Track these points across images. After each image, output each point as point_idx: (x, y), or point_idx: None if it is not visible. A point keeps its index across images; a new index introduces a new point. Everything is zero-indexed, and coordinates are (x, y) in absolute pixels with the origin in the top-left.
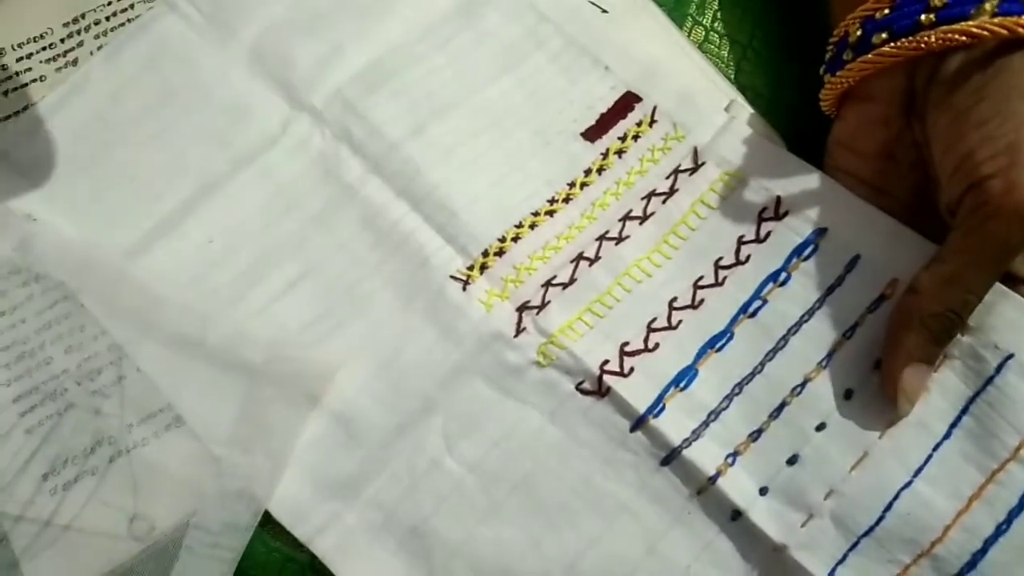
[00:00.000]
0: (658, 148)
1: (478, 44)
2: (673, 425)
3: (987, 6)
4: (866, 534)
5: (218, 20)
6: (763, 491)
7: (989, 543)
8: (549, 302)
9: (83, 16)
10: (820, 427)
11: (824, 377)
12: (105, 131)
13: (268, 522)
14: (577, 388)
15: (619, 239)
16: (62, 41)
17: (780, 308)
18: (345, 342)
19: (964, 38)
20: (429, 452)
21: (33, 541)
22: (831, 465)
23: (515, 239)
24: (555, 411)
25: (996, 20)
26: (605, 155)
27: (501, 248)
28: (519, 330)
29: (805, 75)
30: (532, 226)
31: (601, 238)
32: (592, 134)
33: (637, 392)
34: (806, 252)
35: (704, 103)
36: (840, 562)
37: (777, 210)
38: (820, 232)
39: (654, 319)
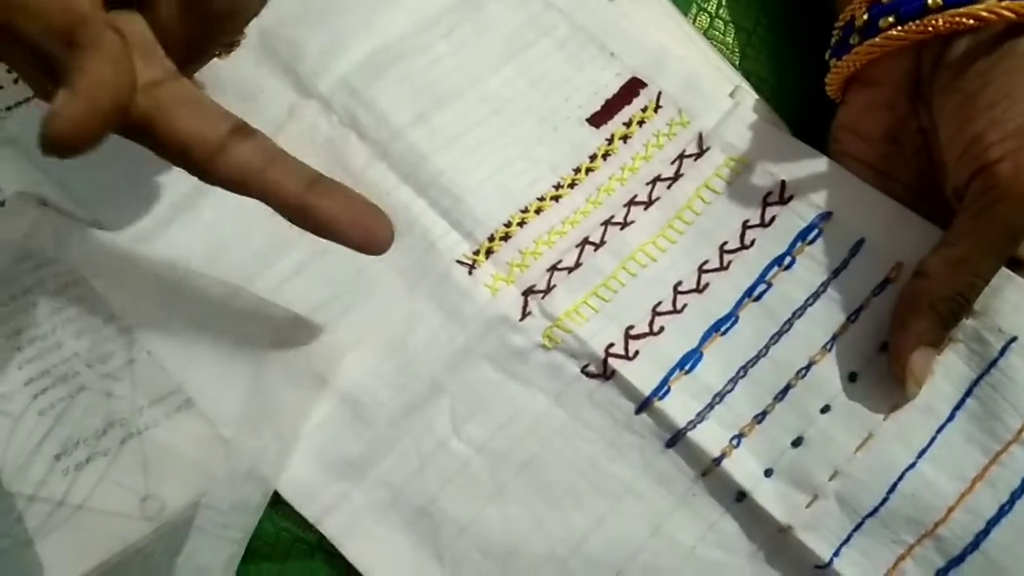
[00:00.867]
0: (663, 134)
1: (483, 32)
2: (678, 407)
3: None
4: (870, 515)
5: None
6: (768, 473)
7: (992, 524)
8: (554, 286)
9: None
10: (825, 409)
11: (829, 360)
12: None
13: (277, 502)
14: (582, 371)
15: (624, 224)
16: None
17: (785, 292)
18: (353, 325)
19: (972, 21)
20: (436, 433)
21: (46, 520)
22: (836, 447)
23: (520, 224)
24: (561, 393)
25: (1004, 3)
26: (610, 141)
27: (507, 233)
28: (524, 314)
29: (809, 61)
30: (537, 211)
31: (606, 223)
32: (597, 120)
33: (642, 375)
34: (811, 236)
35: (709, 88)
36: (844, 542)
37: (782, 195)
38: (825, 216)
39: (659, 303)
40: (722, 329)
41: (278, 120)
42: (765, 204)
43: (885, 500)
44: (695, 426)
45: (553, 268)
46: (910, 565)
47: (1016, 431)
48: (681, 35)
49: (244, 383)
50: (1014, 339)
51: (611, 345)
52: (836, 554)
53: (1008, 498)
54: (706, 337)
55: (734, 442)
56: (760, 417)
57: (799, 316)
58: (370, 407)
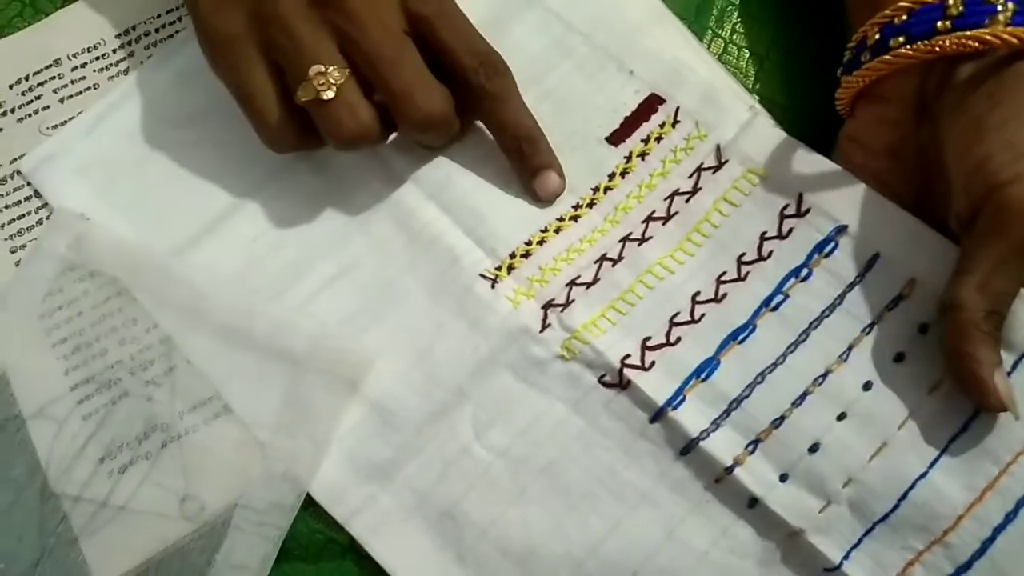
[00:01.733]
0: (680, 148)
1: (508, 57)
2: (692, 416)
3: (1001, 17)
4: (881, 520)
5: None
6: (783, 477)
7: (998, 531)
8: (573, 300)
9: (134, 28)
10: (841, 417)
11: (845, 369)
12: (154, 136)
13: (310, 504)
14: (599, 381)
15: (642, 239)
16: (114, 51)
17: (802, 302)
18: (381, 335)
19: (978, 44)
20: (460, 439)
21: (91, 520)
22: (851, 454)
23: (540, 243)
24: (578, 402)
25: (1008, 29)
26: (628, 158)
27: (527, 251)
28: (544, 326)
29: (821, 87)
30: (557, 230)
31: (624, 239)
32: (616, 138)
33: (656, 386)
34: (827, 249)
35: (727, 101)
36: (855, 546)
37: (799, 207)
38: (841, 229)
39: (676, 314)
40: (740, 338)
41: None
42: (783, 216)
43: (896, 507)
44: (709, 435)
45: (572, 283)
46: (919, 571)
47: None
48: (697, 60)
49: (279, 390)
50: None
51: (627, 356)
52: (846, 557)
53: (1014, 507)
54: (723, 345)
55: (750, 448)
56: (778, 422)
57: (816, 326)
58: (398, 413)
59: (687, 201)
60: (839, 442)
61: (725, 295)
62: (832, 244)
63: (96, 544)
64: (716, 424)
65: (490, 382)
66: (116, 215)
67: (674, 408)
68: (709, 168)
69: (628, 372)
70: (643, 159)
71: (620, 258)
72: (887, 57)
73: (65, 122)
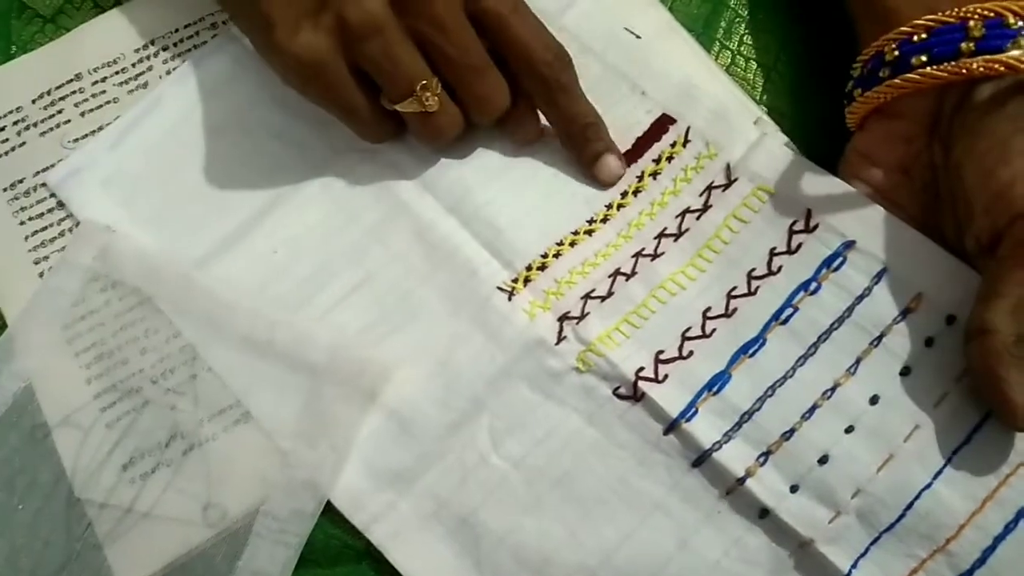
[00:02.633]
0: (691, 167)
1: None
2: (704, 429)
3: (1022, 41)
4: (887, 530)
5: None
6: (794, 488)
7: (998, 540)
8: (588, 313)
9: (152, 42)
10: (849, 429)
11: (853, 382)
12: (176, 149)
13: (327, 510)
14: (614, 393)
15: (654, 255)
16: (133, 66)
17: (811, 316)
18: (400, 345)
19: (1003, 68)
20: (477, 448)
21: (116, 526)
22: (859, 466)
23: (556, 256)
24: (593, 414)
25: None
26: (640, 178)
27: (543, 263)
28: (560, 338)
29: (829, 97)
30: (572, 244)
31: (637, 255)
32: (629, 157)
33: (670, 398)
34: (835, 263)
35: (736, 120)
36: (862, 555)
37: (807, 223)
38: (849, 245)
39: (688, 328)
40: (750, 351)
41: (328, 157)
42: (791, 232)
43: (902, 517)
44: (721, 447)
45: (587, 296)
46: None
47: None
48: (705, 72)
49: (299, 399)
50: None
51: (641, 369)
52: (854, 566)
53: (1014, 517)
54: (735, 359)
55: (761, 460)
56: (788, 435)
57: (824, 340)
58: (416, 422)
59: (698, 218)
60: (847, 454)
61: (736, 309)
62: (840, 259)
63: (120, 550)
64: (728, 436)
65: (507, 393)
66: (139, 227)
67: (687, 420)
68: (719, 186)
69: (642, 385)
70: (655, 178)
71: (634, 273)
72: (912, 76)
73: (86, 136)
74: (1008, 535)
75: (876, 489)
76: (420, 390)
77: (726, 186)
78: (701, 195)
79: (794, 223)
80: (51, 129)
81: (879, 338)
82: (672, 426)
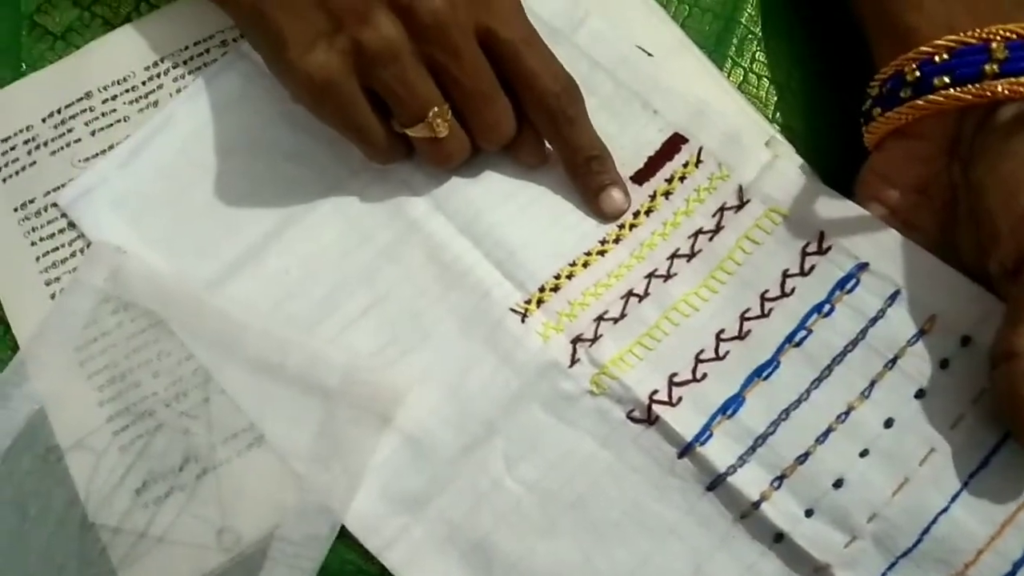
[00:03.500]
0: (704, 188)
1: None
2: (719, 452)
3: None
4: (904, 555)
5: None
6: (809, 513)
7: (1018, 566)
8: (601, 335)
9: (162, 60)
10: (864, 453)
11: (867, 406)
12: (188, 168)
13: (341, 534)
14: (628, 416)
15: (667, 276)
16: (143, 84)
17: (825, 338)
18: (413, 367)
19: None
20: (491, 472)
21: (129, 551)
22: (874, 489)
23: (569, 277)
24: (607, 437)
25: None
26: (653, 197)
27: (556, 285)
28: (573, 361)
29: (842, 114)
30: (584, 265)
31: (650, 276)
32: (640, 177)
33: (684, 421)
34: (849, 285)
35: (748, 141)
36: None
37: (820, 245)
38: (862, 267)
39: (702, 351)
40: (764, 374)
41: (339, 173)
42: (804, 254)
43: (919, 542)
44: (735, 470)
45: (600, 318)
46: None
47: None
48: (718, 90)
49: (313, 422)
50: None
51: (655, 392)
52: None
53: None
54: (748, 382)
55: (775, 484)
56: (802, 458)
57: (838, 362)
58: (430, 445)
59: (710, 239)
60: (862, 478)
61: (749, 332)
62: (854, 280)
63: (135, 575)
64: (742, 460)
65: (521, 416)
66: (150, 248)
67: (702, 444)
68: (731, 207)
69: (656, 408)
70: (667, 198)
71: (646, 294)
72: (936, 97)
73: (97, 155)
74: None
75: (892, 513)
76: (433, 413)
77: (739, 207)
78: (714, 216)
79: (807, 245)
80: (61, 148)
81: (893, 360)
82: (686, 450)
